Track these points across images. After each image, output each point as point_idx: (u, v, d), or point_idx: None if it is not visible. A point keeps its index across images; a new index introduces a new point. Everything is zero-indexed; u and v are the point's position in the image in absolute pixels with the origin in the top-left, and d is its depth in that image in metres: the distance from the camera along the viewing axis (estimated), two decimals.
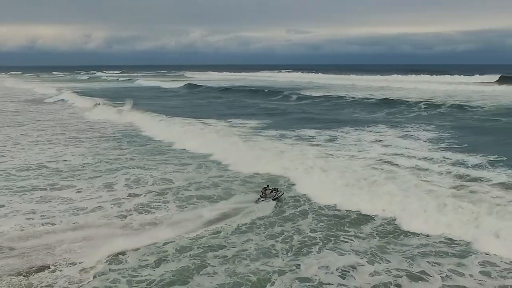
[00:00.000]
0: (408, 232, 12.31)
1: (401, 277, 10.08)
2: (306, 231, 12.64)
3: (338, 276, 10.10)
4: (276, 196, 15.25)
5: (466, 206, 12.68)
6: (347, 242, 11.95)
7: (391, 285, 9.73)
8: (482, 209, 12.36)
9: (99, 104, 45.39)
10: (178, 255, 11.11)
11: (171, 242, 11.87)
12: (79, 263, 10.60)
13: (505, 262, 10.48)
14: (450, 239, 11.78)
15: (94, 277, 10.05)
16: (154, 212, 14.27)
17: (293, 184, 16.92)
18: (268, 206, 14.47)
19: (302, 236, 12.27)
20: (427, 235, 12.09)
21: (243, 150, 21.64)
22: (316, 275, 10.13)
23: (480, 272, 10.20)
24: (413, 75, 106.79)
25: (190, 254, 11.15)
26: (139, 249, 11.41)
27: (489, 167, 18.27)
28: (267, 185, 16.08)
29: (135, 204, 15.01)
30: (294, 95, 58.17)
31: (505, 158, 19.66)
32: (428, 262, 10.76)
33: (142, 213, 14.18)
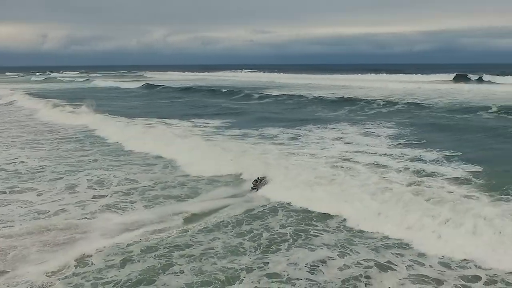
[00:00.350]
0: (365, 231, 12.49)
1: (371, 267, 10.37)
2: (276, 228, 12.76)
3: (307, 271, 10.24)
4: (263, 184, 15.80)
5: (420, 203, 13.00)
6: (318, 236, 12.18)
7: (362, 277, 9.98)
8: (436, 206, 12.69)
9: (55, 105, 44.27)
10: (144, 256, 10.99)
11: (137, 242, 11.75)
12: (42, 267, 10.30)
13: (462, 254, 10.81)
14: (407, 236, 12.02)
15: (58, 280, 9.82)
16: (119, 213, 14.09)
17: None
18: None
19: (270, 234, 12.37)
20: (384, 233, 12.29)
21: (205, 150, 21.59)
22: (285, 271, 10.25)
23: (439, 263, 10.60)
24: (373, 74, 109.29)
25: (156, 254, 11.05)
26: (104, 250, 11.23)
27: (445, 162, 18.93)
28: (258, 177, 16.49)
29: (100, 205, 14.76)
30: (257, 94, 58.48)
31: (460, 153, 20.45)
32: (392, 253, 11.13)
33: (107, 214, 13.95)
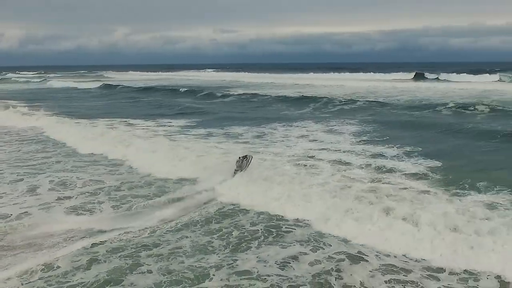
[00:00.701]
0: (324, 233, 12.25)
1: (343, 260, 10.62)
2: (246, 226, 12.82)
3: (278, 268, 10.34)
4: (248, 164, 15.99)
5: (380, 201, 13.32)
6: (290, 232, 12.33)
7: (333, 271, 10.16)
8: (394, 203, 13.03)
9: (11, 107, 42.78)
10: (111, 256, 10.85)
11: (104, 243, 11.59)
12: (5, 273, 10.00)
13: (420, 250, 10.98)
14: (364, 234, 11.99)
15: (22, 285, 9.58)
16: (85, 214, 13.88)
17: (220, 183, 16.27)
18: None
19: (240, 232, 12.39)
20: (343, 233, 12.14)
21: (169, 150, 21.38)
22: (255, 268, 10.33)
23: (402, 254, 10.91)
24: (336, 73, 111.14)
25: (123, 255, 10.93)
26: (70, 253, 11.00)
27: (405, 158, 19.49)
28: (239, 157, 16.64)
29: (65, 207, 14.46)
30: (221, 93, 58.39)
31: (420, 148, 21.16)
32: (361, 245, 11.40)
33: (72, 216, 13.69)
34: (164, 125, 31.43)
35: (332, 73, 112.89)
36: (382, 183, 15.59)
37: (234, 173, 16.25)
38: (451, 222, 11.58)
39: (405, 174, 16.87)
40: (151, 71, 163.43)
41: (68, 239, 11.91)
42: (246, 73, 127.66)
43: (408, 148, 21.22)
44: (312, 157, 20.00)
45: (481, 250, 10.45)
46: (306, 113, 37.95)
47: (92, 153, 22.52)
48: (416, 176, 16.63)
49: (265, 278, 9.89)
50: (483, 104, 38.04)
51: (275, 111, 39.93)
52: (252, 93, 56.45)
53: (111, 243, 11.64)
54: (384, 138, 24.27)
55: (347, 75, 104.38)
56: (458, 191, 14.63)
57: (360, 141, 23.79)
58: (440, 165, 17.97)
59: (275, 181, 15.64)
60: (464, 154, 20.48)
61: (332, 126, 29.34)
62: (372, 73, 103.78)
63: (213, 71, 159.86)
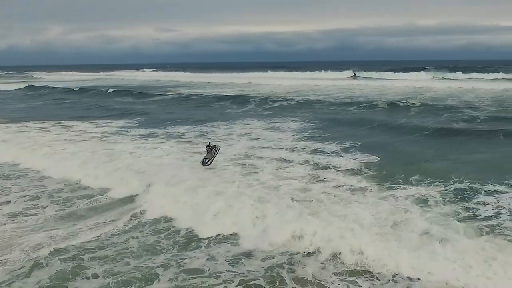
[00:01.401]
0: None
1: (297, 254, 10.89)
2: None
3: (229, 265, 10.49)
4: (217, 153, 16.81)
5: (310, 202, 13.56)
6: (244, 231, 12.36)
7: (285, 264, 10.44)
8: (330, 203, 13.38)
9: None
10: (53, 262, 10.54)
11: (46, 247, 11.28)
12: None
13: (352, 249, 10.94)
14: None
15: None
16: (26, 221, 13.41)
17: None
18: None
19: (188, 231, 12.46)
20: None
21: (104, 154, 20.59)
22: (205, 266, 10.41)
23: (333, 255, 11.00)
24: (278, 72, 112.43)
25: (66, 258, 10.70)
26: (8, 262, 10.64)
27: (343, 154, 20.18)
28: (209, 142, 17.16)
29: (4, 214, 13.95)
30: (162, 93, 57.66)
31: (358, 143, 22.11)
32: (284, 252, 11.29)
33: (9, 222, 13.20)
34: (103, 126, 30.52)
35: (274, 71, 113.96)
36: (319, 181, 15.89)
37: (203, 160, 16.81)
38: (382, 222, 11.80)
39: (342, 170, 17.33)
40: (88, 71, 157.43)
41: (5, 247, 11.45)
42: (187, 72, 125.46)
43: (347, 144, 22.03)
44: (252, 155, 20.15)
45: (408, 252, 10.37)
46: (249, 111, 38.33)
47: (16, 158, 21.34)
48: (352, 171, 17.17)
49: (217, 275, 10.00)
50: (416, 101, 40.20)
51: (217, 110, 40.02)
52: (194, 93, 56.09)
53: (55, 246, 11.29)
54: (325, 135, 25.04)
55: (288, 73, 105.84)
56: (392, 185, 15.29)
57: (301, 138, 24.39)
58: (376, 160, 18.78)
59: (209, 183, 15.21)
60: (398, 148, 21.57)
61: (274, 123, 29.88)
62: (312, 71, 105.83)
63: (152, 70, 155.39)
